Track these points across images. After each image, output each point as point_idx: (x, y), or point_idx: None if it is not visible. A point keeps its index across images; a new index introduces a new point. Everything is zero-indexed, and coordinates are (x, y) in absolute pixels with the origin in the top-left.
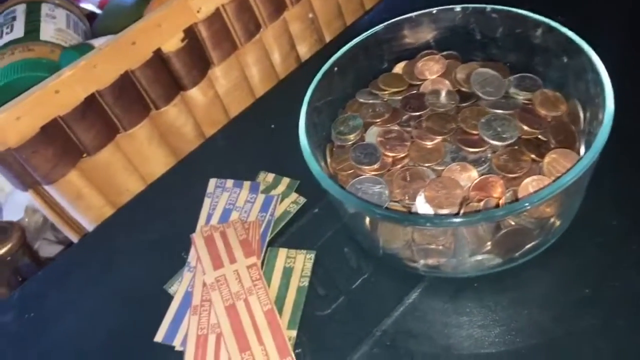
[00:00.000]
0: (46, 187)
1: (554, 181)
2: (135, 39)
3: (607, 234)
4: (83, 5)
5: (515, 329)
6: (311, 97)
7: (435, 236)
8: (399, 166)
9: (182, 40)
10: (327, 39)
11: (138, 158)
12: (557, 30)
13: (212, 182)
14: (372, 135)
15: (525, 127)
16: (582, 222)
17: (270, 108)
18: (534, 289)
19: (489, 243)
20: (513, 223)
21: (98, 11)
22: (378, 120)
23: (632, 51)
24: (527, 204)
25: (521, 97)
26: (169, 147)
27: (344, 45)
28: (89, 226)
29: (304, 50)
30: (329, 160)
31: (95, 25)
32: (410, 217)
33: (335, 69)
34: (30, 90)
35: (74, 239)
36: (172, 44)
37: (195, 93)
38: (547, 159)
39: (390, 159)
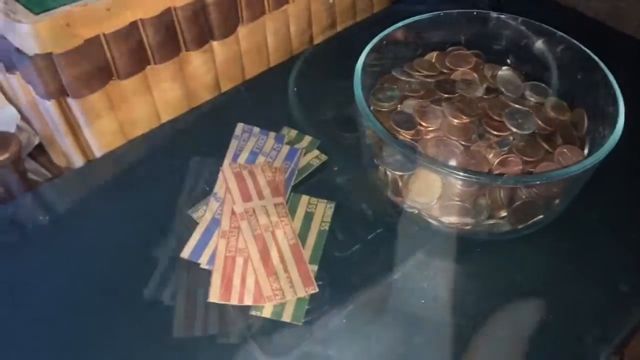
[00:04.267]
0: (70, 101)
1: (565, 167)
2: None
3: (593, 224)
4: None
5: (507, 290)
6: (367, 55)
7: (463, 194)
8: (430, 136)
9: None
10: (338, 28)
11: (159, 94)
12: (577, 48)
13: (240, 126)
14: (408, 106)
15: (541, 123)
16: (575, 211)
17: (289, 74)
18: (528, 260)
19: (503, 210)
20: (526, 195)
21: None
22: (413, 95)
23: None
24: (545, 178)
25: (534, 100)
26: (188, 91)
27: (350, 38)
28: (99, 152)
29: (317, 32)
30: None
31: None
32: (457, 168)
33: (384, 42)
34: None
35: (81, 163)
36: None
37: (221, 45)
38: (558, 150)
39: (424, 129)
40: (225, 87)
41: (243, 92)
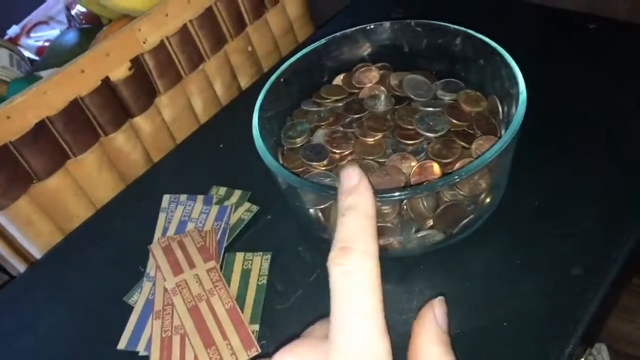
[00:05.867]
0: None
1: (478, 157)
2: (84, 67)
3: (531, 213)
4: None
5: (461, 300)
6: (262, 101)
7: (383, 214)
8: (345, 161)
9: (130, 69)
10: (266, 70)
11: (88, 184)
12: (473, 37)
13: (166, 197)
14: (319, 137)
15: (454, 121)
16: (509, 204)
17: (216, 131)
18: (474, 264)
19: (430, 220)
20: (449, 198)
21: (36, 58)
22: (323, 123)
23: (540, 52)
24: (457, 176)
25: (447, 97)
26: (118, 172)
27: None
28: (38, 254)
29: (245, 81)
30: (280, 162)
31: (38, 66)
32: None
33: (282, 80)
34: None
35: (22, 268)
36: (119, 72)
37: (142, 120)
38: (474, 145)
39: (337, 156)
40: (157, 158)
41: (171, 160)
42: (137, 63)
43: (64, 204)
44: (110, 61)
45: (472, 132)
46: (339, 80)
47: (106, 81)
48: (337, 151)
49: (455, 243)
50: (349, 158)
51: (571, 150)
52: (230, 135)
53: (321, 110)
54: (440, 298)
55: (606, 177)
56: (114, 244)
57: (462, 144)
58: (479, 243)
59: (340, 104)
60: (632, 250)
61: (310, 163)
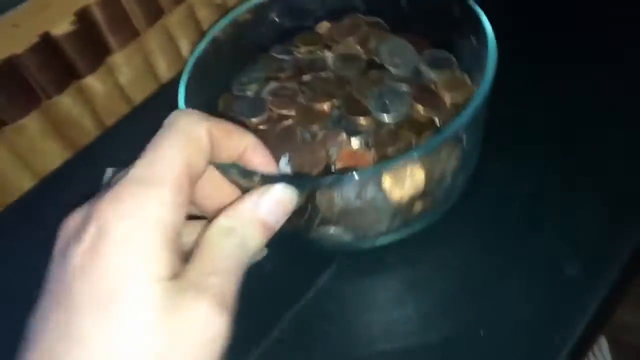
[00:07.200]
0: None
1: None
2: (18, 22)
3: (517, 204)
4: None
5: (431, 306)
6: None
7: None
8: (283, 123)
9: (74, 24)
10: None
11: (30, 153)
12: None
13: (109, 171)
14: (270, 90)
15: (418, 107)
16: (491, 193)
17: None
18: (448, 264)
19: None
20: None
21: None
22: (280, 74)
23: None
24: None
25: (431, 75)
26: (66, 140)
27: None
28: None
29: None
30: (220, 109)
31: None
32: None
33: (248, 17)
34: None
35: None
36: (62, 27)
37: (92, 81)
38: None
39: (275, 115)
40: (111, 123)
41: (126, 126)
42: (83, 16)
43: (2, 176)
44: (50, 14)
45: (437, 126)
46: (323, 28)
47: (46, 37)
48: (277, 110)
49: (427, 239)
50: (287, 122)
51: (565, 135)
52: (195, 93)
53: (285, 60)
54: (285, 189)
55: (606, 163)
56: (58, 218)
57: (413, 139)
58: (453, 239)
59: (308, 57)
60: (637, 245)
61: (241, 119)
